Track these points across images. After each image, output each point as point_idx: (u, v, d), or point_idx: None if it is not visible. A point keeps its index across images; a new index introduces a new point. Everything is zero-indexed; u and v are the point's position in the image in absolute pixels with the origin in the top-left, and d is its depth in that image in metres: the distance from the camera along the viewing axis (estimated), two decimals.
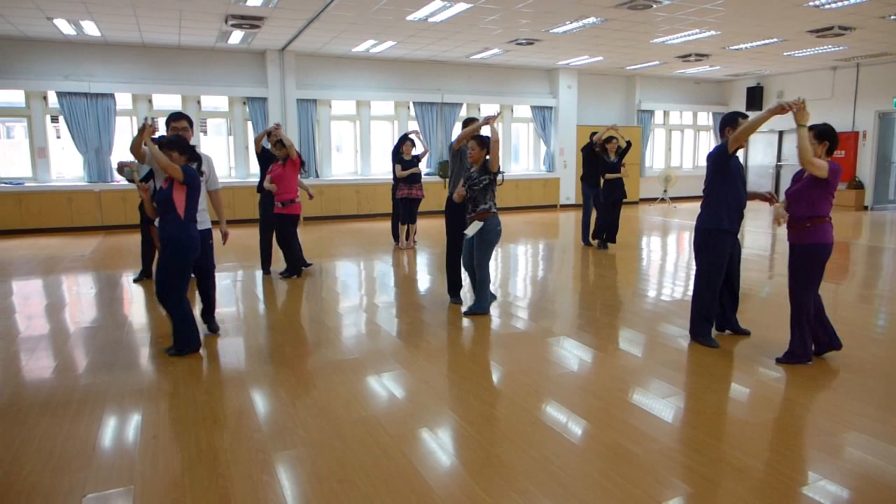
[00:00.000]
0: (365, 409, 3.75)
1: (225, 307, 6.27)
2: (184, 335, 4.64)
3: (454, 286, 6.27)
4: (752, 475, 2.97)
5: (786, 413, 3.72)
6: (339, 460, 3.09)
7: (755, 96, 16.68)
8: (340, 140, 14.32)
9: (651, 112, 16.61)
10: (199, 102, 12.63)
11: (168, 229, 4.46)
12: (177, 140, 4.57)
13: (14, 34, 10.46)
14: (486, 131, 5.74)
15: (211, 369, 4.51)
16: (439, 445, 3.26)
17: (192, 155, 4.57)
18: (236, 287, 7.16)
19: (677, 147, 17.62)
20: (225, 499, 2.75)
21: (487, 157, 5.54)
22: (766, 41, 11.48)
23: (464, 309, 5.93)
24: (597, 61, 13.81)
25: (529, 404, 3.80)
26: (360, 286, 7.53)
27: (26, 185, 11.33)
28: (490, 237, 5.61)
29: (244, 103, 12.79)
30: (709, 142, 17.82)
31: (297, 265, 7.48)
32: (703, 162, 18.29)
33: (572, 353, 4.80)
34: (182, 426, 3.50)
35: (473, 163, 5.64)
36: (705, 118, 17.90)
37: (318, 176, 13.33)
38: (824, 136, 4.19)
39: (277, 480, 2.92)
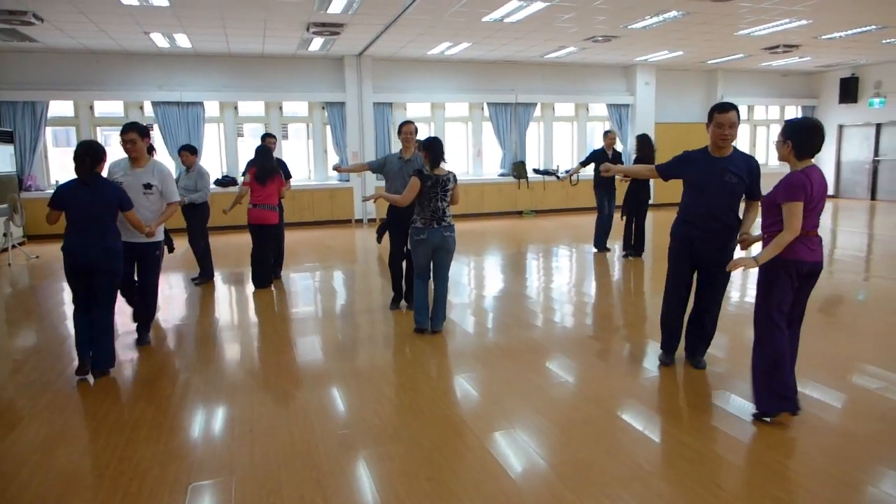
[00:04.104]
0: (449, 408, 3.78)
1: (303, 306, 6.48)
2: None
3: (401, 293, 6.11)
4: (858, 489, 2.80)
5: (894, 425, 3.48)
6: (426, 458, 3.13)
7: (849, 88, 15.70)
8: None
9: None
10: (280, 108, 13.11)
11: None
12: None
13: (114, 48, 11.18)
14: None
15: (296, 364, 4.67)
16: (526, 447, 3.25)
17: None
18: (315, 284, 7.37)
19: (762, 143, 16.83)
20: (319, 492, 2.84)
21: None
22: (863, 29, 10.78)
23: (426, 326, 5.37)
24: (676, 56, 13.37)
25: (616, 408, 3.72)
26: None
27: None
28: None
29: (323, 108, 13.17)
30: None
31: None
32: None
33: (652, 357, 4.66)
34: (274, 420, 3.64)
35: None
36: (793, 112, 16.98)
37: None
38: (787, 133, 3.37)
39: (368, 476, 2.99)
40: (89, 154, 4.21)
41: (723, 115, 3.89)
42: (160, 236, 4.94)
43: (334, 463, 3.10)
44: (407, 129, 5.86)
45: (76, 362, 4.37)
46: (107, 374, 4.39)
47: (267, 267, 7.19)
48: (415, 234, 5.15)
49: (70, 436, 3.47)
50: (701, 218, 4.04)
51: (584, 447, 3.23)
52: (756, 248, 3.55)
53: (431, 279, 5.32)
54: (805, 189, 3.29)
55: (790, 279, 3.37)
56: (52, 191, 4.42)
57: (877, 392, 3.86)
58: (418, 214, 5.13)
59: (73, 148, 4.33)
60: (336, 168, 6.60)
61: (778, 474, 2.93)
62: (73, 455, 3.24)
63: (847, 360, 4.41)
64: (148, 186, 4.75)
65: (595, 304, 6.44)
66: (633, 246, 8.71)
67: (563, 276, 7.92)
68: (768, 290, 3.42)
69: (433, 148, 5.08)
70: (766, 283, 3.43)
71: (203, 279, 7.48)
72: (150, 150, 5.22)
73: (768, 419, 3.43)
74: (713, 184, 3.98)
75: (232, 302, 6.87)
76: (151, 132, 5.10)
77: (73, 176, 4.30)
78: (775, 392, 3.39)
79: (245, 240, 10.69)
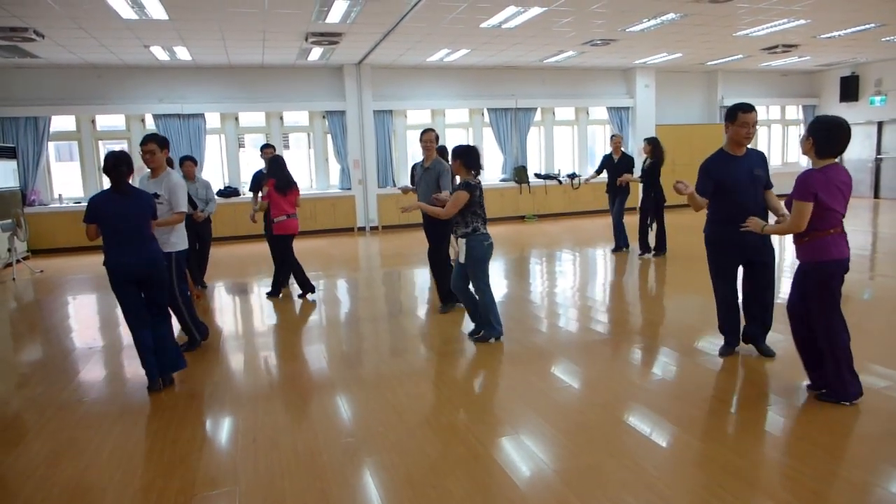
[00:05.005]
0: (453, 414, 3.77)
1: (307, 314, 6.48)
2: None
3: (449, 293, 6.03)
4: (866, 490, 2.78)
5: None
6: (431, 466, 3.12)
7: (850, 86, 15.67)
8: (416, 149, 14.51)
9: None
10: (281, 118, 13.14)
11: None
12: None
13: (115, 62, 11.24)
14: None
15: (300, 373, 4.66)
16: (531, 453, 3.23)
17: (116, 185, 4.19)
18: (318, 292, 7.37)
19: (763, 143, 16.80)
20: (324, 501, 2.83)
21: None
22: (862, 27, 10.76)
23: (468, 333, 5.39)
24: (675, 58, 13.37)
25: (621, 412, 3.71)
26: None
27: None
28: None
29: (323, 117, 13.20)
30: (798, 137, 16.88)
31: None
32: (792, 158, 17.38)
33: (660, 360, 4.65)
34: (278, 429, 3.64)
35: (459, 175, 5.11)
36: (794, 112, 16.98)
37: (395, 185, 13.55)
38: (811, 129, 3.50)
39: (373, 485, 2.98)
40: (125, 163, 4.19)
41: (747, 115, 4.06)
42: (174, 247, 4.93)
43: (339, 472, 3.09)
44: (427, 136, 5.94)
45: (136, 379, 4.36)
46: (171, 382, 4.42)
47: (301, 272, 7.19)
48: (485, 240, 5.02)
49: (75, 449, 3.47)
50: (740, 215, 4.06)
51: (590, 452, 3.22)
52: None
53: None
54: (814, 191, 3.41)
55: (843, 275, 3.58)
56: (57, 205, 4.39)
57: (883, 391, 3.84)
58: (477, 222, 5.02)
59: (76, 162, 4.34)
60: (405, 190, 6.79)
61: (785, 476, 2.91)
62: (78, 468, 3.24)
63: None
64: (156, 197, 4.77)
65: (600, 307, 6.42)
66: (651, 246, 8.93)
67: (567, 280, 7.91)
68: (834, 292, 3.57)
69: (469, 156, 5.01)
70: (830, 286, 3.55)
71: (201, 288, 7.60)
72: (170, 162, 5.29)
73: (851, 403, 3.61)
74: (745, 181, 4.13)
75: (235, 311, 6.88)
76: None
77: (78, 190, 4.30)
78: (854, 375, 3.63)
79: (245, 250, 10.68)
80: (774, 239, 4.39)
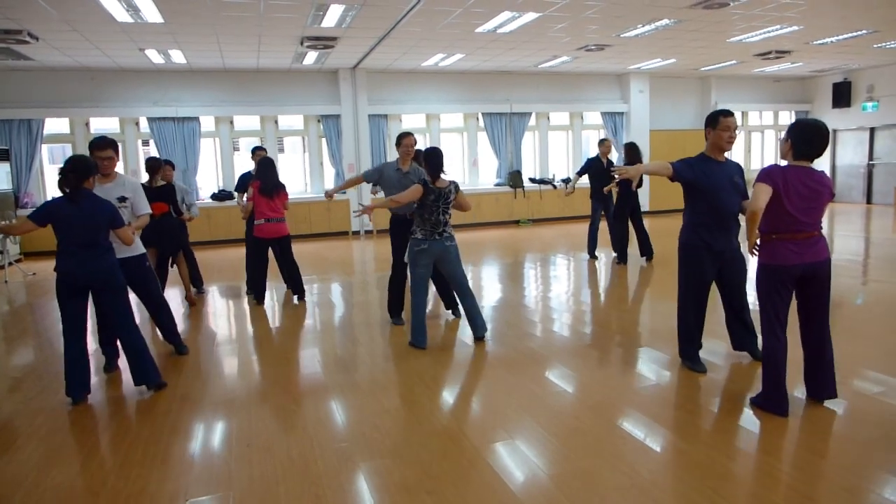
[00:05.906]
0: (448, 419, 3.77)
1: (301, 319, 6.46)
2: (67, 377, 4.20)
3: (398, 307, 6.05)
4: (859, 495, 2.79)
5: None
6: (426, 471, 3.11)
7: (842, 92, 15.80)
8: None
9: None
10: (276, 122, 13.14)
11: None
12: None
13: (109, 66, 11.23)
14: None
15: (294, 378, 4.65)
16: (526, 458, 3.23)
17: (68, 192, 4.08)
18: (312, 296, 7.36)
19: (757, 149, 16.90)
20: None
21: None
22: (854, 33, 10.86)
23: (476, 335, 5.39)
24: (669, 64, 13.45)
25: (614, 417, 3.71)
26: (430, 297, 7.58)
27: None
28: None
29: (318, 121, 13.21)
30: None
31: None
32: (784, 164, 17.45)
33: (651, 365, 4.66)
34: (272, 434, 3.62)
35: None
36: (787, 118, 17.08)
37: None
38: (789, 131, 3.56)
39: (368, 491, 2.97)
40: (74, 170, 4.03)
41: (729, 119, 4.12)
42: (139, 249, 4.84)
43: (333, 477, 3.08)
44: (407, 141, 5.82)
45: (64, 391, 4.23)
46: (164, 385, 4.39)
47: (298, 276, 7.14)
48: (415, 245, 5.12)
49: (66, 455, 3.45)
50: (722, 219, 4.16)
51: (584, 457, 3.22)
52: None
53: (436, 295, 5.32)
54: (773, 179, 3.43)
55: (780, 283, 3.52)
56: None
57: (876, 396, 3.86)
58: (418, 226, 5.11)
59: None
60: (328, 195, 6.37)
61: (777, 481, 2.92)
62: (69, 474, 3.22)
63: (846, 365, 4.39)
64: (122, 199, 4.64)
65: (593, 312, 6.43)
66: (622, 252, 8.86)
67: (561, 285, 7.92)
68: (772, 301, 3.56)
69: (433, 158, 5.06)
70: (766, 291, 3.58)
71: (200, 291, 7.58)
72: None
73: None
74: (725, 185, 4.15)
75: (229, 316, 6.85)
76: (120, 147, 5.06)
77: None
78: (767, 391, 3.60)
79: (239, 253, 10.65)
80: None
